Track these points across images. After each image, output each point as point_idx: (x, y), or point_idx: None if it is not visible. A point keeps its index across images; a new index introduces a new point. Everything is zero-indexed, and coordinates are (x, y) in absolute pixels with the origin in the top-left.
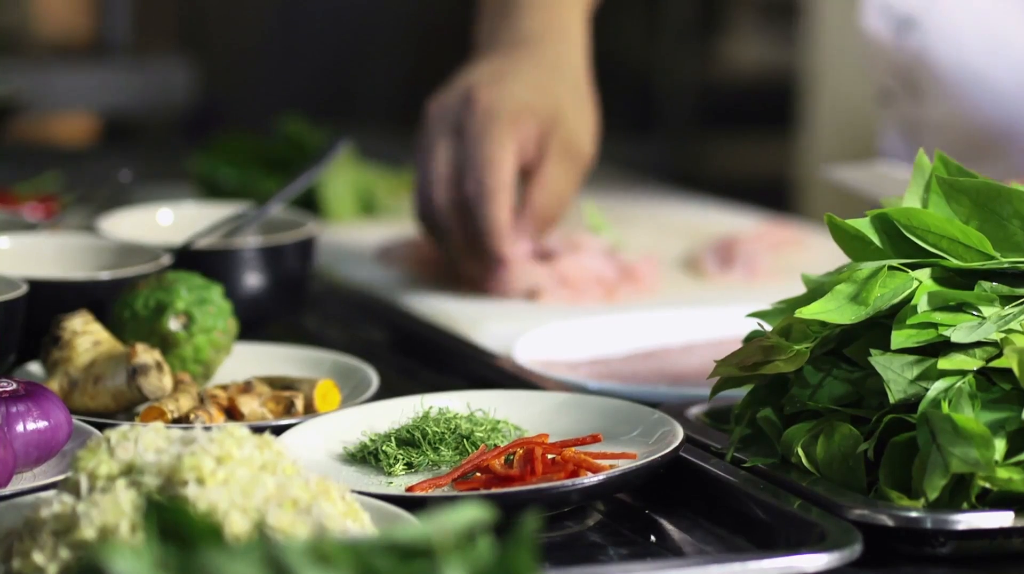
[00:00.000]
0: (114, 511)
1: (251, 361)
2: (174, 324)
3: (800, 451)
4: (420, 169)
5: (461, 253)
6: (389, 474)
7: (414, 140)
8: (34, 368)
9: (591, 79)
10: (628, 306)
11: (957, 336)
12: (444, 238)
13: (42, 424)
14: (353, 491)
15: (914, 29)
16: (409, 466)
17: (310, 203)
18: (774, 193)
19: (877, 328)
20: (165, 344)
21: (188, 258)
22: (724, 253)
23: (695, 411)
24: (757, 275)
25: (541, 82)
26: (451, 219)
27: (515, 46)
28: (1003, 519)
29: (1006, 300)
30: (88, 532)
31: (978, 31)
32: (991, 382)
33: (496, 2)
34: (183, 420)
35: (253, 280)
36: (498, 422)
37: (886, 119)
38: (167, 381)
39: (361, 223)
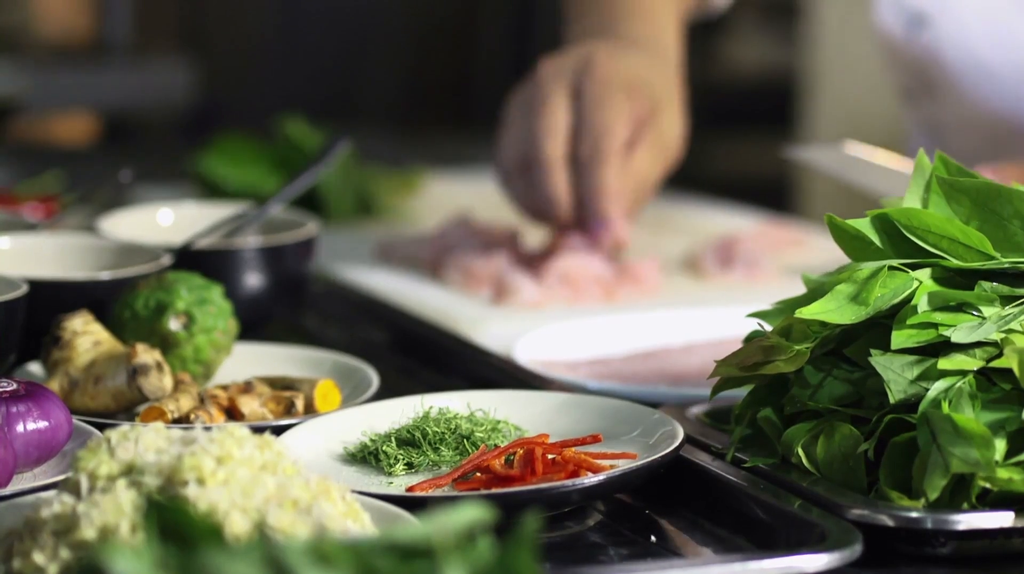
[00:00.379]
0: (114, 511)
1: (251, 361)
2: (174, 324)
3: (800, 451)
4: (531, 121)
5: (559, 205)
6: (389, 474)
7: (518, 93)
8: (34, 368)
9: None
10: (628, 306)
11: (957, 336)
12: (543, 187)
13: (42, 424)
14: (353, 491)
15: (926, 26)
16: (409, 466)
17: (311, 203)
18: (774, 193)
19: (877, 328)
20: (165, 344)
21: (188, 258)
22: (724, 253)
23: (695, 411)
24: (757, 275)
25: (650, 67)
26: (557, 172)
27: (617, 43)
28: (1003, 519)
29: (1006, 300)
30: (88, 532)
31: (987, 27)
32: (991, 382)
33: (590, 12)
34: (183, 420)
35: (253, 280)
36: (498, 422)
37: (910, 120)
38: (167, 381)
39: (361, 223)
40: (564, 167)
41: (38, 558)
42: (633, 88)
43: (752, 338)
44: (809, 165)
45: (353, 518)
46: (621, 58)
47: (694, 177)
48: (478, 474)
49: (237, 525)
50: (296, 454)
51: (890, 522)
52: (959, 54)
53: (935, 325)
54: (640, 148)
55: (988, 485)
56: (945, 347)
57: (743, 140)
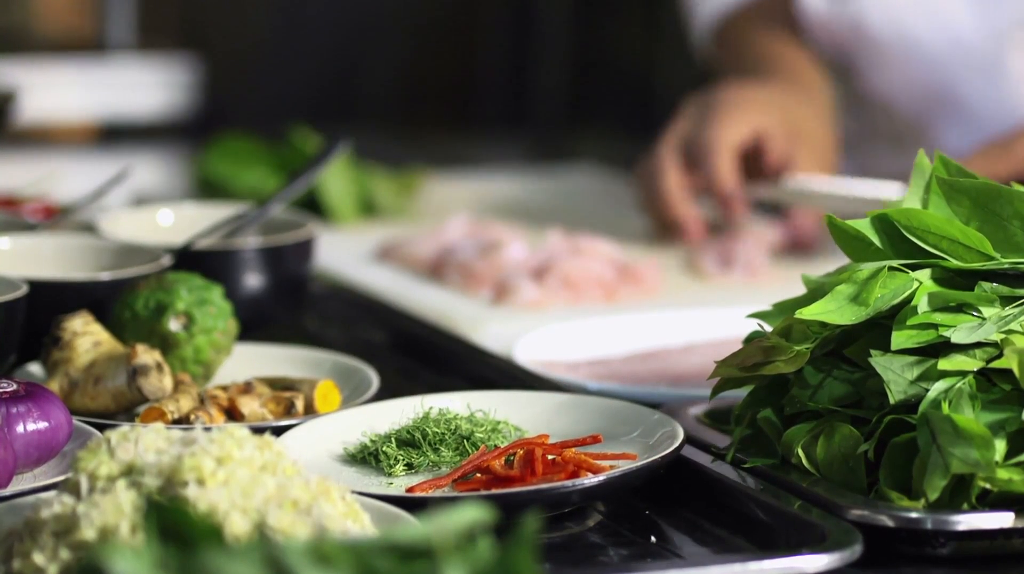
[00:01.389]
0: (114, 512)
1: (251, 362)
2: (174, 325)
3: (800, 452)
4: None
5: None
6: (389, 475)
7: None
8: (34, 369)
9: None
10: (628, 307)
11: (957, 337)
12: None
13: (42, 425)
14: (353, 492)
15: None
16: (409, 467)
17: (311, 204)
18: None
19: (877, 329)
20: (165, 345)
21: (188, 259)
22: (724, 253)
23: (695, 412)
24: (757, 275)
25: (777, 97)
26: (672, 172)
27: (757, 78)
28: (1003, 520)
29: (1006, 301)
30: (88, 533)
31: None
32: (991, 383)
33: (743, 57)
34: (183, 421)
35: (253, 281)
36: (498, 423)
37: (839, 99)
38: (167, 382)
39: (361, 224)
40: (678, 166)
41: (38, 559)
42: (747, 104)
43: (752, 339)
44: (770, 199)
45: (353, 519)
46: (746, 88)
47: None
48: (478, 475)
49: (237, 526)
50: (296, 455)
51: (890, 523)
52: (885, 24)
53: (935, 326)
54: (798, 153)
55: (988, 486)
56: (945, 348)
57: None
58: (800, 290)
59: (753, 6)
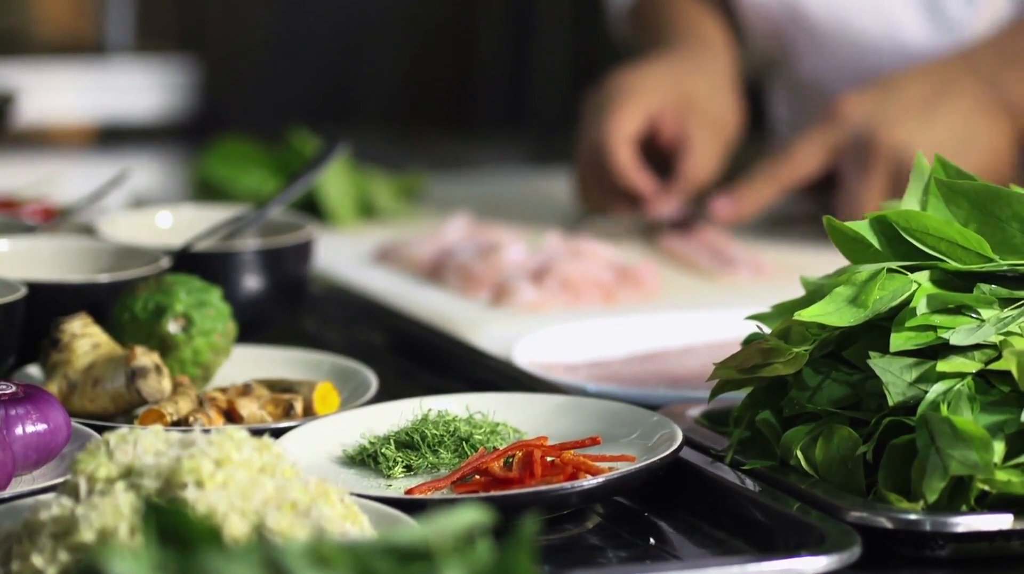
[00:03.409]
0: (113, 514)
1: (250, 364)
2: (173, 327)
3: (799, 453)
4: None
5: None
6: (388, 477)
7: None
8: (33, 371)
9: (733, 83)
10: (627, 308)
11: (956, 339)
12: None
13: (41, 427)
14: (352, 494)
15: None
16: (408, 469)
17: (310, 206)
18: None
19: (876, 330)
20: (164, 347)
21: (187, 261)
22: (723, 255)
23: (694, 413)
24: (756, 277)
25: (668, 76)
26: (624, 145)
27: (659, 52)
28: (1002, 521)
29: (1005, 302)
30: (87, 535)
31: None
32: (990, 385)
33: (651, 30)
34: (182, 423)
35: (252, 283)
36: (497, 425)
37: (772, 88)
38: (166, 384)
39: (360, 226)
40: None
41: (37, 561)
42: (637, 91)
43: (751, 340)
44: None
45: (352, 520)
46: (636, 72)
47: None
48: (477, 476)
49: (236, 528)
50: (295, 457)
51: (889, 524)
52: (818, 6)
53: (934, 327)
54: (689, 133)
55: (987, 487)
56: (944, 349)
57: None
58: (799, 292)
59: None
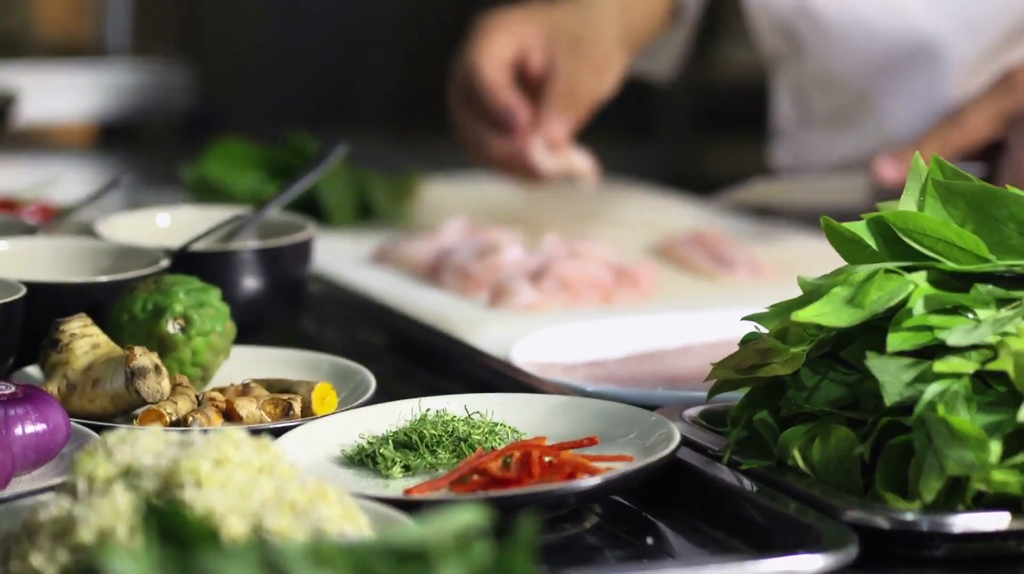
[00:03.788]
0: (112, 514)
1: (249, 364)
2: (172, 327)
3: (796, 453)
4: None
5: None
6: (387, 477)
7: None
8: (32, 371)
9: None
10: (625, 309)
11: (953, 339)
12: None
13: (40, 427)
14: (351, 494)
15: None
16: (407, 469)
17: (310, 208)
18: None
19: (873, 331)
20: (163, 347)
21: (186, 261)
22: (722, 255)
23: (692, 413)
24: (754, 278)
25: (542, 12)
26: (461, 106)
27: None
28: (999, 521)
29: (1002, 303)
30: (86, 535)
31: None
32: (987, 385)
33: None
34: (181, 423)
35: (251, 283)
36: (495, 425)
37: (776, 85)
38: (165, 384)
39: (359, 227)
40: (463, 103)
41: (36, 561)
42: (504, 23)
43: (748, 341)
44: (752, 201)
45: (350, 521)
46: (507, 12)
47: (691, 181)
48: (475, 477)
49: (234, 528)
50: (293, 457)
51: (886, 524)
52: (829, 2)
53: (931, 328)
54: (556, 59)
55: (983, 487)
56: (941, 350)
57: (741, 144)
58: (796, 292)
59: None
